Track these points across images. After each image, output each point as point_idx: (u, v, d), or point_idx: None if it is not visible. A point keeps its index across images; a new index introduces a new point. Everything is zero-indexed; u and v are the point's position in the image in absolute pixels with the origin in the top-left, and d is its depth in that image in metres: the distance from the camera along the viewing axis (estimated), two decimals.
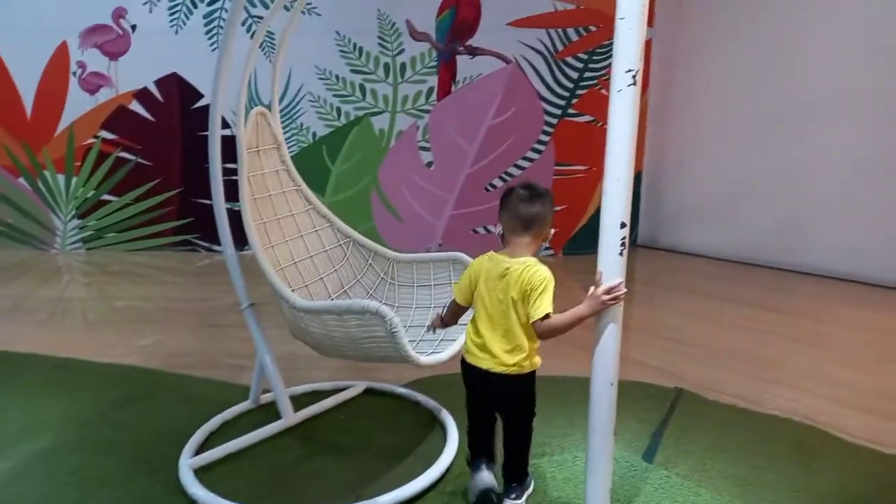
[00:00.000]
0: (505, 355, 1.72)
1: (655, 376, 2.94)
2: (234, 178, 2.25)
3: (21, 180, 5.31)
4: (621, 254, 1.59)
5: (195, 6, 5.20)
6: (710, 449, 2.29)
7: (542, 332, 1.67)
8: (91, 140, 5.32)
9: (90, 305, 4.02)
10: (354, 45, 5.34)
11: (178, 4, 5.19)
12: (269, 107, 2.52)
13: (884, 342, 3.57)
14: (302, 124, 5.40)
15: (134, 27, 5.19)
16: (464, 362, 1.82)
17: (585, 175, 5.66)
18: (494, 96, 5.46)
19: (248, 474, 2.10)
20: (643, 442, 2.33)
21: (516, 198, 1.73)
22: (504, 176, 5.56)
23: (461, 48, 5.40)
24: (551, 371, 2.89)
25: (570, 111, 5.57)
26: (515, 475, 1.88)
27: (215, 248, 5.39)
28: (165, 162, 5.41)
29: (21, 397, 2.66)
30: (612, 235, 1.58)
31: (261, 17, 5.09)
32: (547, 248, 5.61)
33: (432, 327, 1.98)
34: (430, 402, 2.57)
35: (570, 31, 5.45)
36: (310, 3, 5.11)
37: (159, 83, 5.29)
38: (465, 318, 1.91)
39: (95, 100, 5.28)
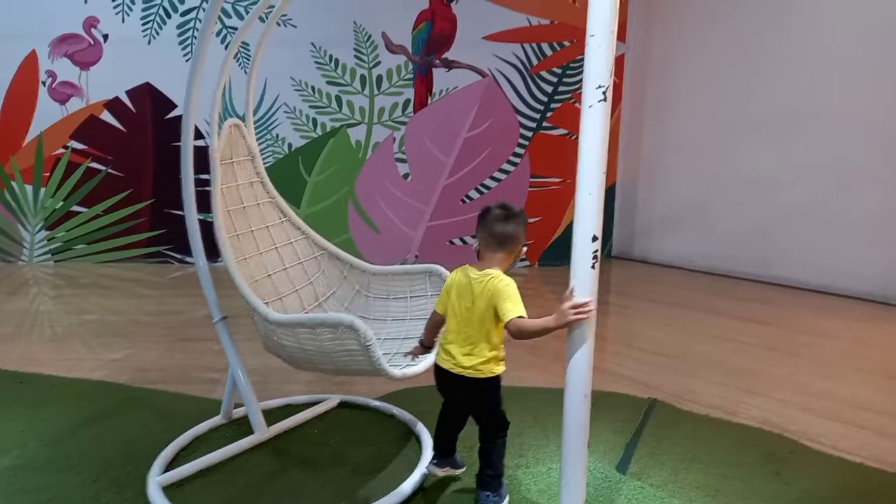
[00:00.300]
0: (462, 357, 1.83)
1: (629, 387, 2.96)
2: (208, 188, 2.24)
3: None
4: (593, 266, 1.61)
5: (169, 16, 5.17)
6: (684, 459, 2.32)
7: (513, 332, 1.76)
8: (61, 150, 5.23)
9: (58, 319, 3.93)
10: (330, 56, 5.34)
11: (151, 14, 5.15)
12: (243, 118, 2.51)
13: (856, 352, 3.63)
14: (277, 135, 5.38)
15: (106, 36, 5.14)
16: (435, 364, 1.95)
17: (560, 187, 5.72)
18: (470, 109, 5.50)
19: (219, 490, 2.06)
20: (617, 453, 2.35)
21: (492, 217, 1.84)
22: (480, 188, 5.59)
23: (437, 61, 5.44)
24: (525, 383, 2.94)
25: (545, 124, 5.64)
26: (488, 484, 1.94)
27: (188, 259, 5.33)
28: (137, 172, 5.35)
29: None
30: (584, 248, 1.60)
31: (235, 28, 5.07)
32: (522, 260, 5.64)
33: (413, 355, 2.05)
34: (404, 415, 2.56)
35: (545, 45, 5.53)
36: (285, 15, 5.11)
37: (131, 93, 5.24)
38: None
39: (66, 109, 5.20)
